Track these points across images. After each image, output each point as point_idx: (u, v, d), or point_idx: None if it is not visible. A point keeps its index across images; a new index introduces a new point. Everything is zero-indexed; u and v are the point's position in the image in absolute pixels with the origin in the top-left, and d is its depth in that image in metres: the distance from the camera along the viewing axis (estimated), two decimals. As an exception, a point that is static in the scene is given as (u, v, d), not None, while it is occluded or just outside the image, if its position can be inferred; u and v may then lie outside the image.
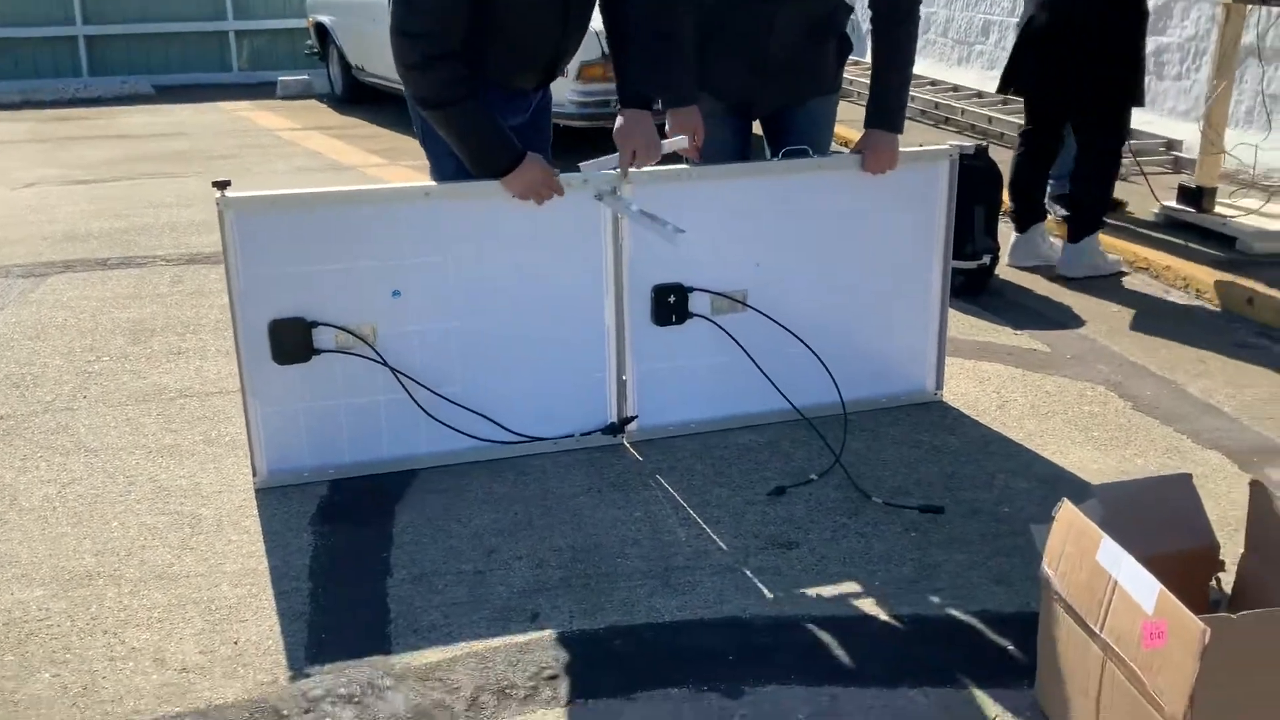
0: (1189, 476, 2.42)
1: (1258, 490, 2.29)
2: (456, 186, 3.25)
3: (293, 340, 3.15)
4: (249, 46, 12.20)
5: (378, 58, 9.38)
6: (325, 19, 10.19)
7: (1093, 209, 5.01)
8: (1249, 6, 5.42)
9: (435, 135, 3.33)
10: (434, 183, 3.33)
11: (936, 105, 8.52)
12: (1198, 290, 4.84)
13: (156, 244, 5.76)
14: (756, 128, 3.77)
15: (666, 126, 3.49)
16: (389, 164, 7.77)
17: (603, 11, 3.33)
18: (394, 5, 2.97)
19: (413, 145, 8.30)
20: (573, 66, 6.40)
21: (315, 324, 3.16)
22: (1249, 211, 5.46)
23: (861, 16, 3.62)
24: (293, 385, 3.19)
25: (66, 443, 3.51)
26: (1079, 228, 5.02)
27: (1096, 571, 2.07)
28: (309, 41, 10.76)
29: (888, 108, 3.55)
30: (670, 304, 3.48)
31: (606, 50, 3.44)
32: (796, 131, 3.63)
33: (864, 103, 3.62)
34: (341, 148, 8.43)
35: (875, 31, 3.52)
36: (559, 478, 3.27)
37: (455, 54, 2.97)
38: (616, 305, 3.44)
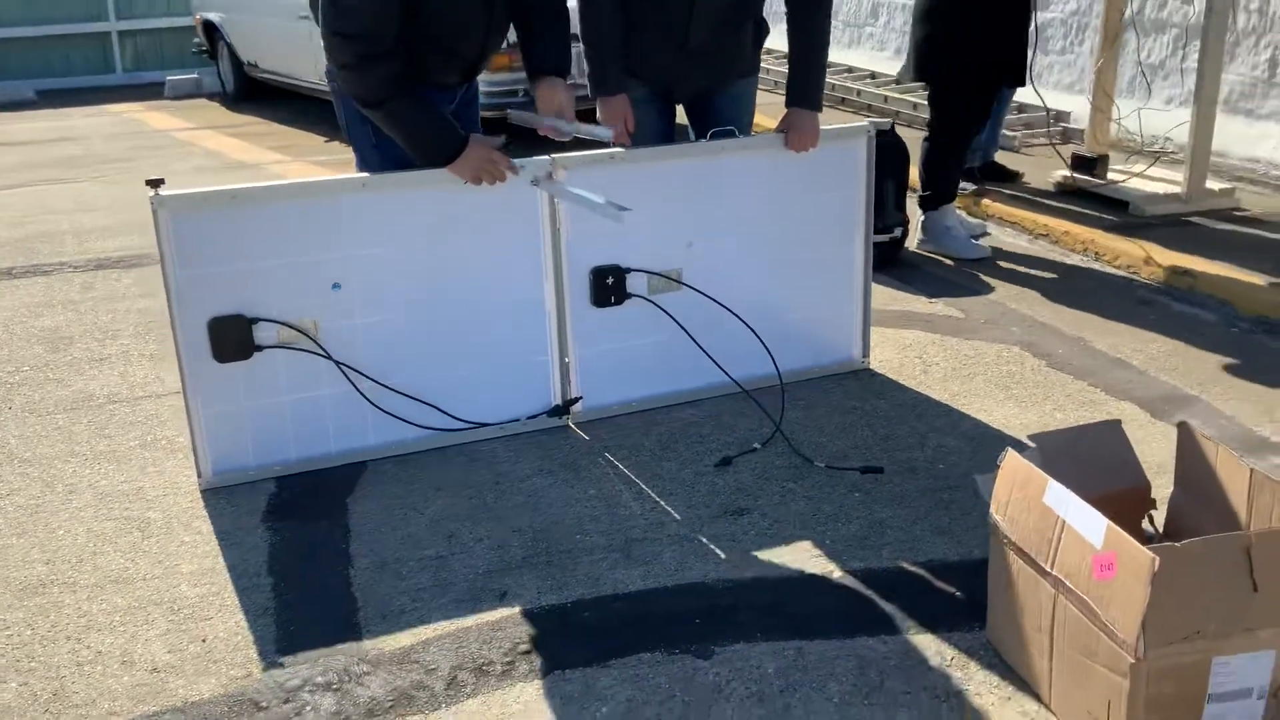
0: (1118, 423, 2.57)
1: (1185, 431, 2.45)
2: (393, 176, 3.26)
3: (233, 338, 3.13)
4: (133, 47, 11.85)
5: (271, 54, 9.24)
6: (214, 16, 9.96)
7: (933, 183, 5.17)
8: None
9: (360, 129, 3.35)
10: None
11: (833, 87, 8.71)
12: (1096, 253, 5.07)
13: (60, 250, 5.61)
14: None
15: (596, 114, 3.54)
16: (291, 160, 7.66)
17: (514, 9, 3.34)
18: (324, 7, 2.98)
19: (313, 142, 8.27)
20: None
21: (256, 320, 3.15)
22: (1136, 175, 5.73)
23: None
24: (235, 384, 3.17)
25: (-2, 455, 3.43)
26: (925, 200, 5.19)
27: (1045, 513, 2.20)
28: (196, 40, 10.51)
29: (808, 87, 3.66)
30: (608, 285, 3.54)
31: (512, 40, 3.47)
32: (719, 114, 3.72)
33: (779, 91, 3.73)
34: (240, 146, 8.28)
35: (791, 14, 3.62)
36: (510, 461, 3.31)
37: (390, 52, 3.00)
38: (556, 288, 3.49)
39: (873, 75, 8.92)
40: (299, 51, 8.54)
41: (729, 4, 3.56)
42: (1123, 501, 2.48)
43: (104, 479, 3.27)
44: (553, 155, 3.38)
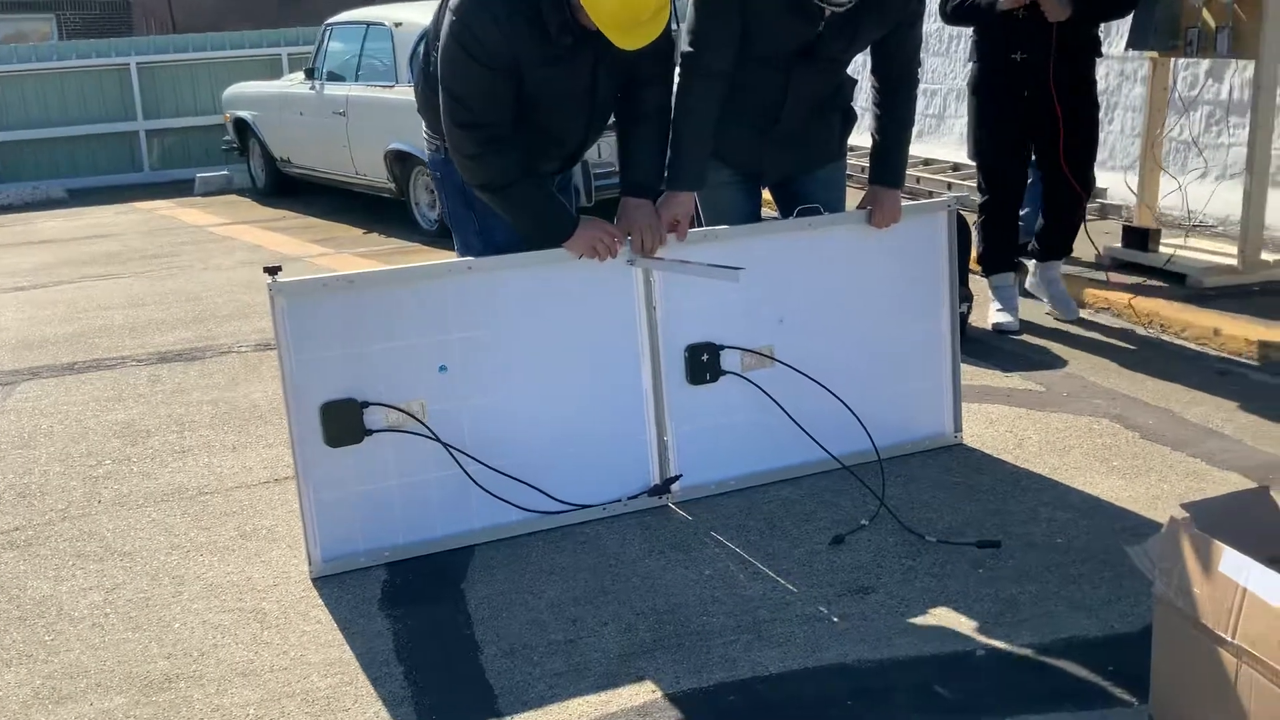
0: (1267, 489, 2.54)
1: (1340, 495, 2.42)
2: (496, 260, 3.29)
3: (345, 422, 3.11)
4: (159, 145, 12.01)
5: (305, 149, 9.37)
6: (245, 114, 10.11)
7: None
8: (1172, 59, 5.80)
9: (464, 215, 3.38)
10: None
11: (863, 169, 8.80)
12: (1163, 325, 5.08)
13: (120, 345, 5.61)
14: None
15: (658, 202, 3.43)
16: (334, 253, 7.71)
17: (616, 101, 3.36)
18: (446, 100, 3.05)
19: (352, 234, 8.34)
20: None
21: (366, 404, 3.13)
22: (1193, 250, 5.77)
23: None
24: (345, 468, 3.14)
25: (96, 548, 3.37)
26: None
27: (1223, 582, 2.16)
28: (227, 137, 10.65)
29: (890, 165, 3.70)
30: (703, 362, 3.53)
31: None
32: (807, 197, 3.73)
33: (865, 187, 3.76)
34: (280, 239, 8.34)
35: (877, 94, 3.67)
36: (617, 543, 3.27)
37: (508, 139, 3.05)
38: (653, 367, 3.48)
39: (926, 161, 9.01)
40: (334, 146, 8.67)
41: (819, 94, 3.61)
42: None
43: (209, 570, 3.21)
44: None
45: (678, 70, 3.40)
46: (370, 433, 3.14)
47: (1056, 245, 5.37)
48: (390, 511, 3.21)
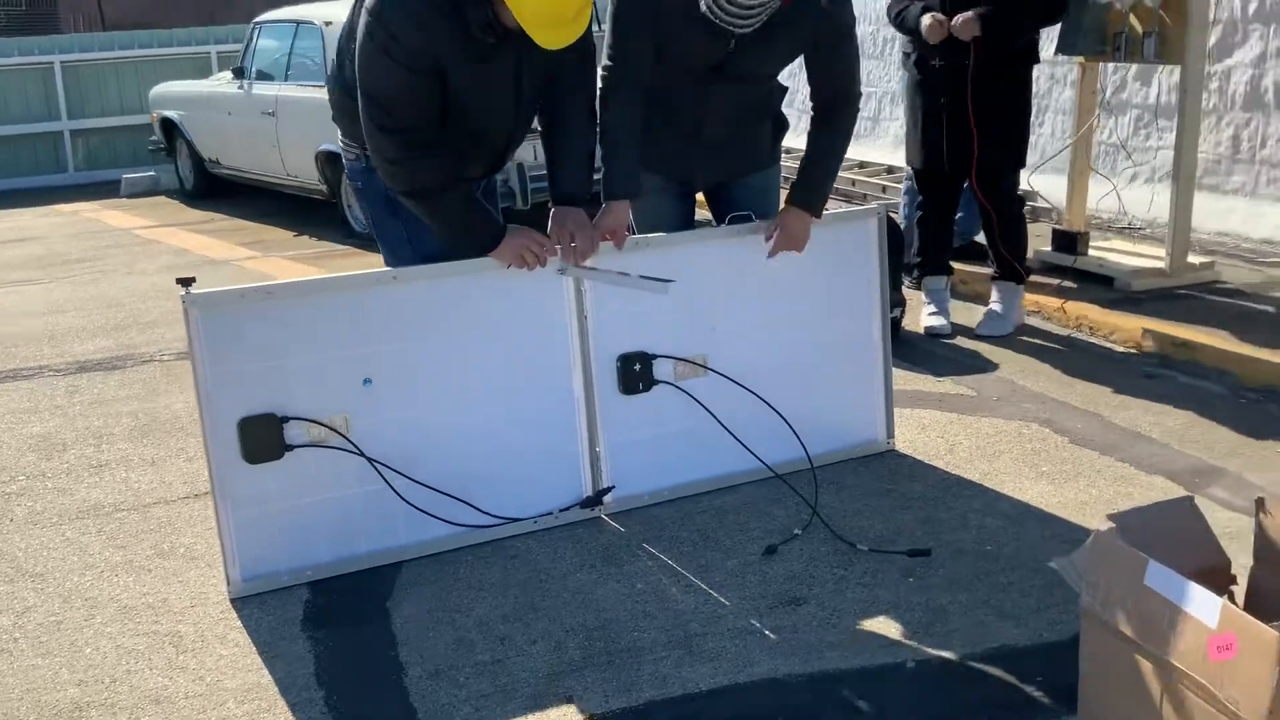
0: (1191, 499, 2.55)
1: (1263, 506, 2.44)
2: (423, 269, 3.21)
3: (264, 438, 3.02)
4: (84, 146, 11.71)
5: (235, 150, 9.18)
6: (173, 114, 9.89)
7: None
8: (1101, 64, 5.86)
9: (390, 224, 3.30)
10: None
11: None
12: (1091, 328, 5.13)
13: (38, 354, 5.44)
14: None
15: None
16: (262, 256, 7.55)
17: (540, 109, 3.33)
18: (365, 104, 2.97)
19: (282, 236, 8.18)
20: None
21: (287, 419, 3.04)
22: (1122, 253, 5.84)
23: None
24: (265, 485, 3.05)
25: (6, 569, 3.25)
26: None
27: (1148, 595, 2.16)
28: (154, 137, 10.41)
29: (812, 191, 3.55)
30: (636, 372, 3.49)
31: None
32: (740, 205, 3.69)
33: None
34: (208, 242, 8.16)
35: (814, 119, 3.58)
36: (548, 557, 3.21)
37: (432, 143, 2.98)
38: (585, 377, 3.43)
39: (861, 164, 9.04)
40: (263, 147, 8.50)
41: (743, 103, 3.55)
42: (1204, 578, 2.44)
43: (124, 592, 3.11)
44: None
45: (599, 80, 3.36)
46: (291, 448, 3.05)
47: (997, 261, 5.23)
48: (313, 529, 3.12)
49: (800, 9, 3.18)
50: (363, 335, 3.13)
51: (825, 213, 3.66)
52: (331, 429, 3.10)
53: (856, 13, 3.55)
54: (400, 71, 2.92)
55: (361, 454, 3.13)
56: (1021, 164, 5.15)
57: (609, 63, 3.36)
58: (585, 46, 3.17)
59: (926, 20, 4.83)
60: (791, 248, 3.54)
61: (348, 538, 3.17)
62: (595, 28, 3.21)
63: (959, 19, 4.75)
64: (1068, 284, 5.55)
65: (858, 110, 3.64)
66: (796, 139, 3.76)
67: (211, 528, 3.31)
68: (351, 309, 3.12)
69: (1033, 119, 5.45)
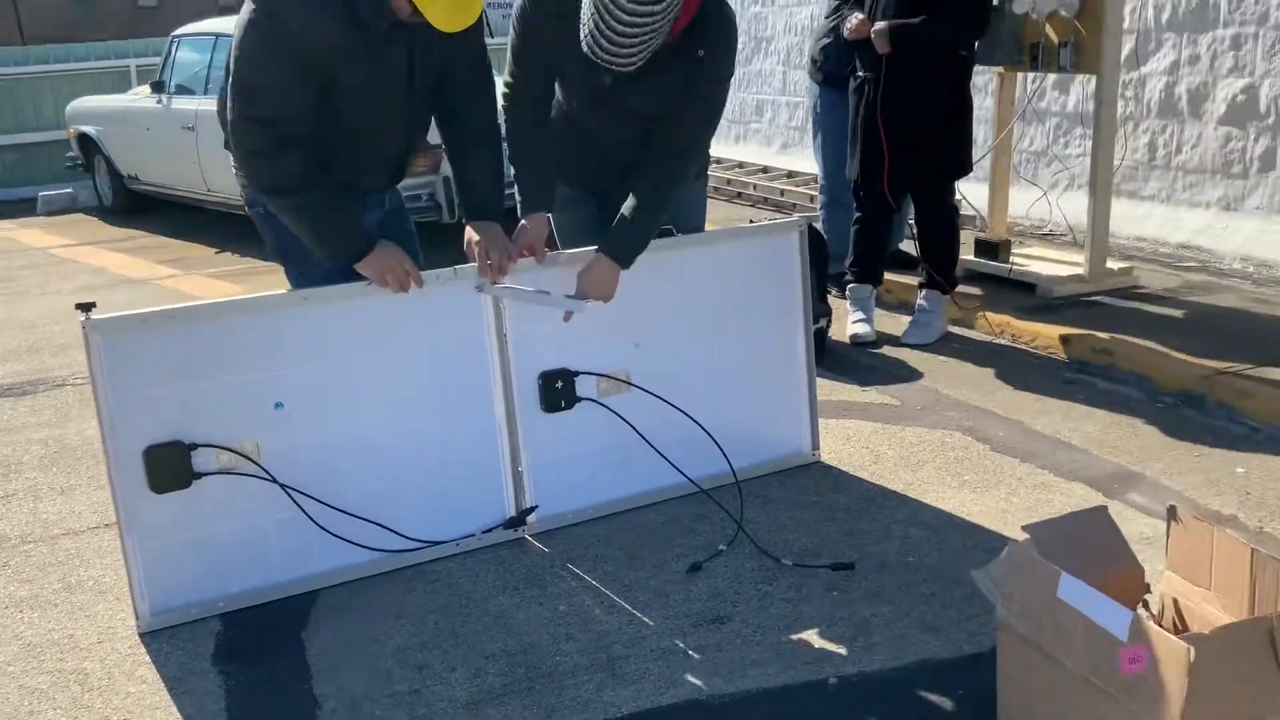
0: (1105, 509, 2.57)
1: (1175, 514, 2.46)
2: (334, 289, 3.14)
3: (171, 466, 2.93)
4: (-1, 163, 11.41)
5: (154, 166, 8.98)
6: (90, 129, 9.66)
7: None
8: (1019, 73, 5.94)
9: (300, 247, 3.19)
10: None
11: (729, 181, 8.87)
12: (1014, 335, 5.18)
13: (-56, 379, 5.26)
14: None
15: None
16: (183, 274, 7.39)
17: (440, 124, 3.28)
18: (235, 93, 2.88)
19: (203, 253, 8.02)
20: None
21: (195, 446, 2.96)
22: (1043, 259, 5.92)
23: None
24: (173, 515, 2.96)
25: (-99, 608, 3.12)
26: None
27: (1060, 607, 2.16)
28: (71, 153, 10.16)
29: (623, 241, 3.31)
30: (558, 389, 3.45)
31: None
32: (662, 218, 3.67)
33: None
34: (126, 261, 7.96)
35: (649, 162, 3.32)
36: (470, 581, 3.16)
37: (302, 141, 2.90)
38: (505, 395, 3.38)
39: (764, 169, 9.11)
40: (183, 162, 8.33)
41: (643, 130, 3.36)
42: (1118, 588, 2.46)
43: (29, 628, 3.00)
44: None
45: (501, 97, 3.32)
46: (200, 476, 2.97)
47: (926, 270, 5.26)
48: (223, 559, 3.04)
49: (677, 52, 3.12)
50: (273, 358, 3.06)
51: (751, 224, 3.63)
52: (242, 455, 3.02)
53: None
54: (279, 59, 2.81)
55: (274, 480, 3.05)
56: (954, 174, 5.18)
57: (509, 79, 3.33)
58: (476, 53, 3.15)
59: (853, 20, 4.86)
60: (597, 297, 3.28)
61: (260, 567, 3.09)
62: (488, 35, 3.18)
63: (875, 28, 4.79)
64: (975, 291, 5.58)
65: (691, 167, 3.46)
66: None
67: (121, 559, 3.21)
68: (261, 331, 3.04)
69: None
